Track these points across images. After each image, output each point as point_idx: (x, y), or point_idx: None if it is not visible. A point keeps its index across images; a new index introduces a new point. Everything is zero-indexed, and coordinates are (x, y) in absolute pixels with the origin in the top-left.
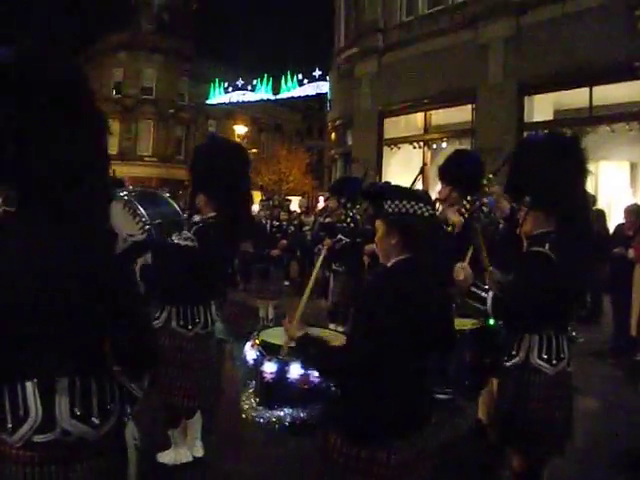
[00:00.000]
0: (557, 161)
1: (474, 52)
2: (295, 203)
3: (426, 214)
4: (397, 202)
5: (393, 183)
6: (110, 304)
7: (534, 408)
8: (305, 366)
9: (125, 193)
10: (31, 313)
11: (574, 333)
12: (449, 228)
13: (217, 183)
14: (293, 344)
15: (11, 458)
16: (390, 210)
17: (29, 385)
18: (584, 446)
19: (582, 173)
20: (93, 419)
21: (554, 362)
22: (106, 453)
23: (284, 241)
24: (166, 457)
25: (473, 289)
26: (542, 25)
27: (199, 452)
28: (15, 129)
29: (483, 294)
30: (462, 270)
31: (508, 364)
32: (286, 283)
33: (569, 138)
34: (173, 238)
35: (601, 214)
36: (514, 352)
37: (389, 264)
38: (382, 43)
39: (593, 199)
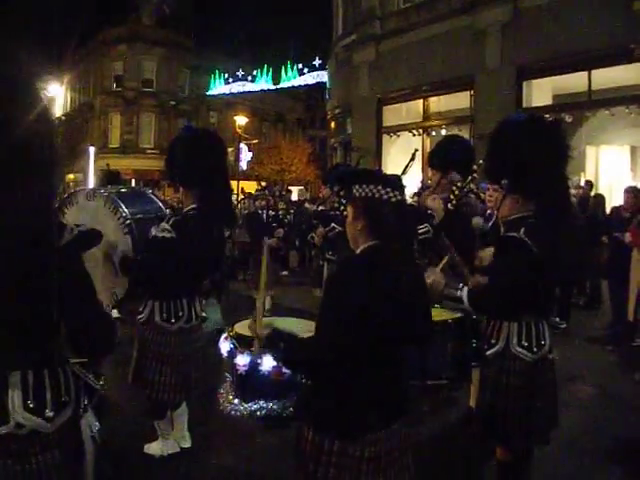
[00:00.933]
0: (536, 143)
1: (472, 38)
2: (295, 193)
3: (393, 199)
4: (364, 186)
5: (392, 171)
6: (60, 294)
7: (515, 396)
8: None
9: (105, 190)
10: None
11: (557, 319)
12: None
13: (194, 175)
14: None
15: None
16: (357, 194)
17: None
18: (579, 434)
19: (562, 157)
20: (47, 412)
21: (534, 349)
22: (62, 445)
23: (281, 230)
24: (153, 448)
25: (446, 291)
26: (539, 9)
27: (187, 443)
28: None
29: (458, 293)
30: (431, 274)
31: (488, 353)
32: (285, 273)
33: (549, 121)
34: (151, 230)
35: (600, 198)
36: (493, 340)
37: (357, 251)
38: (380, 30)
39: (590, 184)
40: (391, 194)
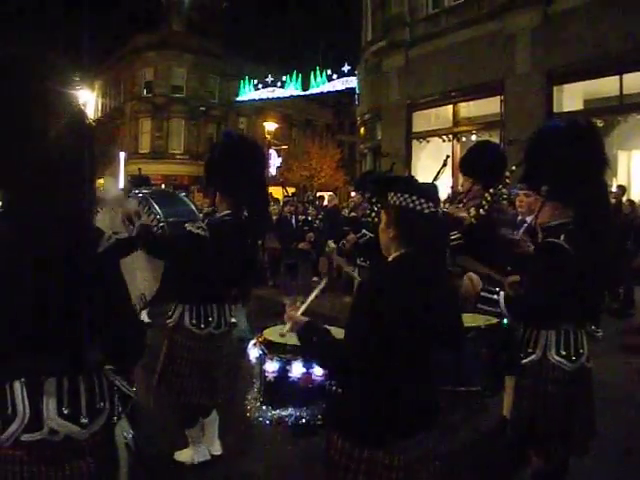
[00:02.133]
0: (575, 149)
1: (501, 43)
2: (326, 198)
3: (426, 211)
4: (400, 195)
5: (422, 177)
6: (95, 301)
7: (553, 406)
8: (304, 356)
9: (141, 191)
10: (19, 313)
11: (593, 327)
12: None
13: (231, 181)
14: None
15: (0, 457)
16: (392, 202)
17: (17, 385)
18: (612, 442)
19: (601, 162)
20: (81, 418)
21: (573, 358)
22: (95, 452)
23: (311, 234)
24: (184, 455)
25: (483, 294)
26: (569, 13)
27: (218, 450)
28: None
29: (495, 296)
30: (467, 279)
31: (525, 361)
32: (315, 279)
33: (588, 126)
34: (186, 226)
35: (631, 204)
36: (530, 349)
37: (389, 258)
38: (409, 36)
39: (623, 189)
40: (425, 205)
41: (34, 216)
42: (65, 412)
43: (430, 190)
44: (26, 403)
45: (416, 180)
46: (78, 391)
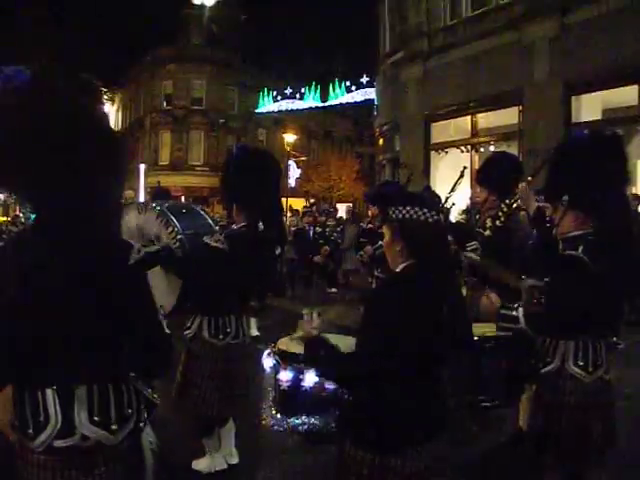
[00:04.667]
0: (598, 159)
1: (519, 53)
2: (342, 210)
3: (430, 220)
4: (400, 208)
5: (441, 188)
6: (125, 312)
7: (570, 417)
8: (312, 368)
9: (159, 204)
10: (51, 322)
11: (615, 339)
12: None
13: (247, 194)
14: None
15: (32, 463)
16: (394, 216)
17: (49, 392)
18: (631, 454)
19: (623, 173)
20: (111, 425)
21: (590, 369)
22: (124, 458)
23: (327, 247)
24: (201, 464)
25: (502, 311)
26: (586, 23)
27: (234, 459)
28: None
29: (514, 313)
30: (485, 298)
31: (543, 371)
32: (333, 290)
33: (612, 136)
34: (204, 239)
35: None
36: (549, 359)
37: (397, 269)
38: (427, 47)
39: (638, 197)
40: (428, 215)
41: (67, 230)
42: (96, 419)
43: (429, 200)
44: (58, 410)
45: (411, 193)
46: (108, 398)
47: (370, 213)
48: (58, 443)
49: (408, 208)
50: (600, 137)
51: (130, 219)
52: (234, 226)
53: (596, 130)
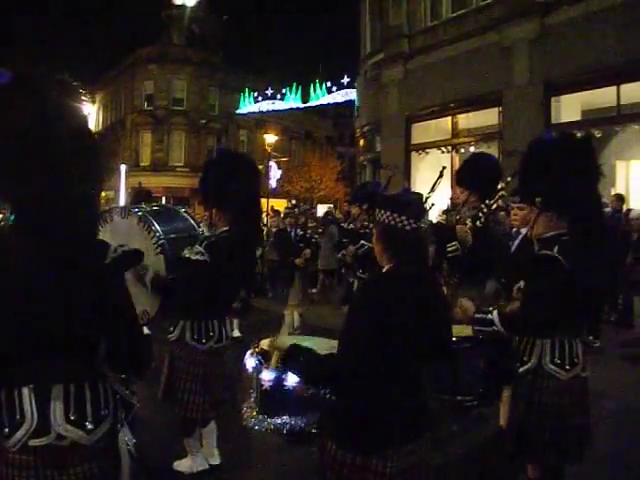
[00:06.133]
0: (569, 161)
1: (499, 54)
2: (322, 211)
3: (407, 227)
4: (383, 212)
5: (421, 188)
6: (102, 311)
7: (547, 415)
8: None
9: (140, 208)
10: (28, 321)
11: (591, 337)
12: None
13: (226, 198)
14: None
15: (7, 461)
16: (378, 218)
17: (25, 391)
18: (608, 451)
19: (595, 174)
20: (87, 424)
21: (567, 367)
22: (99, 458)
23: (308, 250)
24: (183, 465)
25: (477, 315)
26: (566, 25)
27: (216, 460)
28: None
29: (488, 316)
30: (458, 307)
31: (520, 370)
32: (314, 290)
33: (582, 138)
34: (184, 253)
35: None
36: (526, 358)
37: (383, 270)
38: (408, 48)
39: (620, 197)
40: (405, 222)
41: (44, 230)
42: (72, 418)
43: (413, 204)
44: (34, 409)
45: (396, 197)
46: (84, 398)
47: (353, 213)
48: (33, 442)
49: (388, 213)
50: (569, 138)
51: (114, 224)
52: (215, 231)
53: (564, 132)
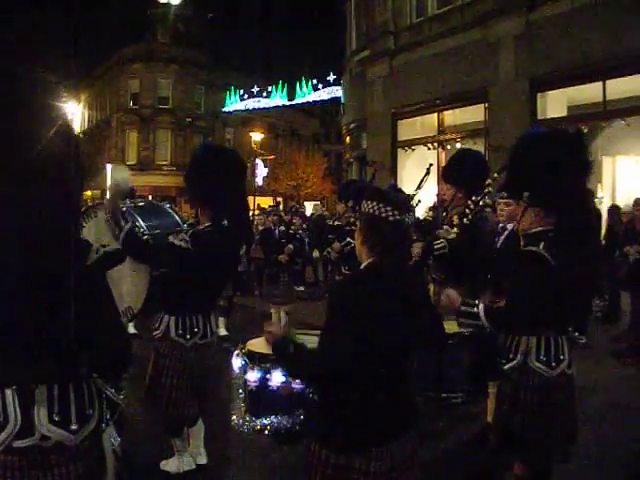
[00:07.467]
0: (557, 156)
1: (485, 51)
2: (310, 209)
3: (391, 218)
4: (368, 202)
5: (407, 185)
6: (84, 312)
7: (533, 412)
8: (280, 367)
9: (125, 205)
10: (10, 322)
11: (576, 334)
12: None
13: (211, 194)
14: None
15: None
16: (363, 210)
17: (8, 392)
18: (596, 448)
19: (583, 169)
20: (72, 425)
21: (553, 364)
22: (84, 457)
23: (290, 246)
24: (169, 465)
25: (463, 308)
26: (552, 20)
27: (203, 460)
28: None
29: (474, 309)
30: (444, 297)
31: (506, 367)
32: (301, 288)
33: (571, 133)
34: (169, 238)
35: (616, 210)
36: (511, 355)
37: (361, 266)
38: (393, 45)
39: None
40: (390, 213)
41: (23, 229)
42: (56, 419)
43: (399, 199)
44: (18, 410)
45: (390, 189)
46: (68, 398)
47: (338, 210)
48: (17, 443)
49: (374, 203)
50: (558, 134)
51: (98, 220)
52: (199, 226)
53: (553, 127)
